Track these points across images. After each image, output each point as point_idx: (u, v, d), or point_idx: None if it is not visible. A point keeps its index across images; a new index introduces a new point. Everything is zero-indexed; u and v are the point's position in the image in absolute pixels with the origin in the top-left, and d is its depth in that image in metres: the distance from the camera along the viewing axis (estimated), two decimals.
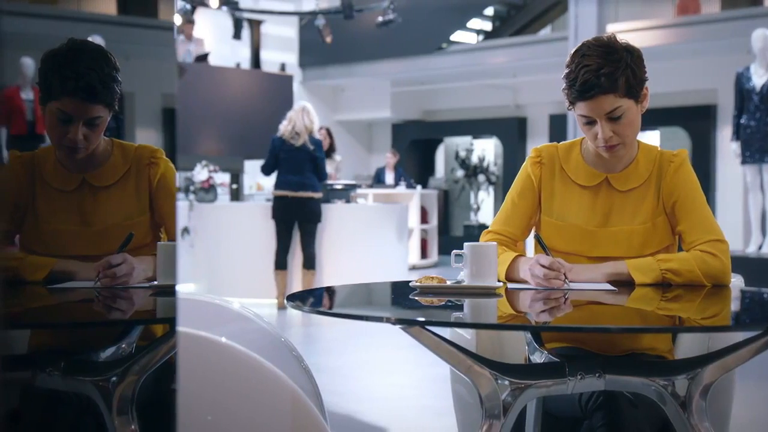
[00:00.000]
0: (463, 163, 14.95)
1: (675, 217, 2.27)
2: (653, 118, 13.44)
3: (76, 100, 2.15)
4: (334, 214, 8.10)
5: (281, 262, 7.72)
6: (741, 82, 7.83)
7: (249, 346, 2.00)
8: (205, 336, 1.43)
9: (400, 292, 2.28)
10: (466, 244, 2.17)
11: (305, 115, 7.53)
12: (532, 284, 2.16)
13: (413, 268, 11.16)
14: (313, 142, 7.56)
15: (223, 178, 9.11)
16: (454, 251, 2.21)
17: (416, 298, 2.10)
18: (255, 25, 13.46)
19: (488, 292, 2.13)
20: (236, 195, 11.36)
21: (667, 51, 11.83)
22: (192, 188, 8.76)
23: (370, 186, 11.73)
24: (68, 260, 2.22)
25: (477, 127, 14.71)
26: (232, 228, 8.31)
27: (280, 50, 14.08)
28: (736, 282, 2.42)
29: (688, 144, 13.03)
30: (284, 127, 7.56)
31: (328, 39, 10.83)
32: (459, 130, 15.04)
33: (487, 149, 15.62)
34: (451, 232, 15.17)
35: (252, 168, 11.81)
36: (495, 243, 2.20)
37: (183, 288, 8.77)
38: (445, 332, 2.19)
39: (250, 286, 8.01)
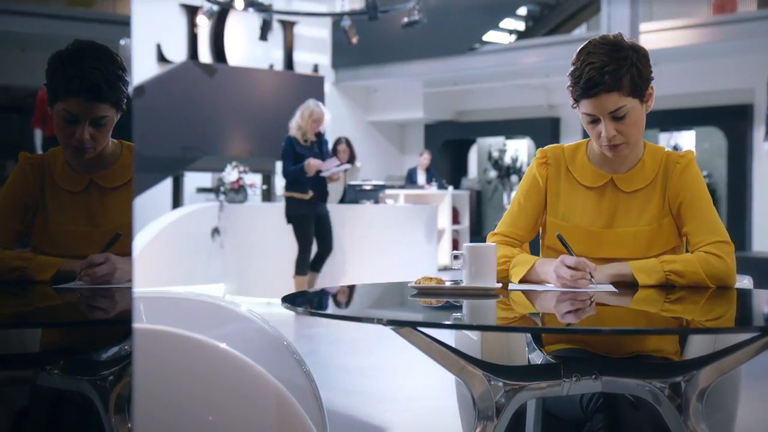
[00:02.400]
0: (496, 164, 14.90)
1: (681, 219, 2.24)
2: (688, 118, 13.31)
3: (80, 99, 2.18)
4: (361, 214, 8.11)
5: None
6: None
7: (241, 346, 1.97)
8: (182, 333, 1.44)
9: (399, 293, 2.28)
10: (465, 245, 2.17)
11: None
12: (557, 285, 2.14)
13: (444, 268, 11.14)
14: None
15: (253, 178, 9.15)
16: (453, 252, 2.21)
17: (414, 299, 2.09)
18: (288, 26, 13.53)
19: (487, 293, 2.12)
20: (267, 196, 11.42)
21: (703, 50, 11.71)
22: (222, 189, 8.83)
23: (402, 187, 11.73)
24: (75, 260, 2.25)
25: (510, 128, 14.65)
26: (261, 229, 8.34)
27: (313, 51, 14.13)
28: (746, 283, 2.40)
29: (725, 144, 12.87)
30: None
31: (354, 40, 10.84)
32: (492, 131, 14.98)
33: (520, 150, 15.55)
34: (483, 233, 15.11)
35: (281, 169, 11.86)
36: (494, 244, 2.20)
37: (210, 289, 8.84)
38: (450, 334, 2.20)
39: (280, 286, 8.03)
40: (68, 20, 2.10)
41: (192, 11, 12.27)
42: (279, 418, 1.51)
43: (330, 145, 8.42)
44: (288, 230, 7.86)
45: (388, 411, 4.36)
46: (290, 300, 1.97)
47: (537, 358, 2.16)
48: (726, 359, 1.86)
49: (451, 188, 12.11)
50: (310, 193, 7.31)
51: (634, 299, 2.05)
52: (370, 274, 7.89)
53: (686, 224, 2.23)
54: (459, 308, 2.07)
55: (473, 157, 16.08)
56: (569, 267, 2.11)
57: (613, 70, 2.11)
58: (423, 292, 2.13)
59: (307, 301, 2.10)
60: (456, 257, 2.18)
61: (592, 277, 2.10)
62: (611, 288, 2.12)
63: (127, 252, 2.21)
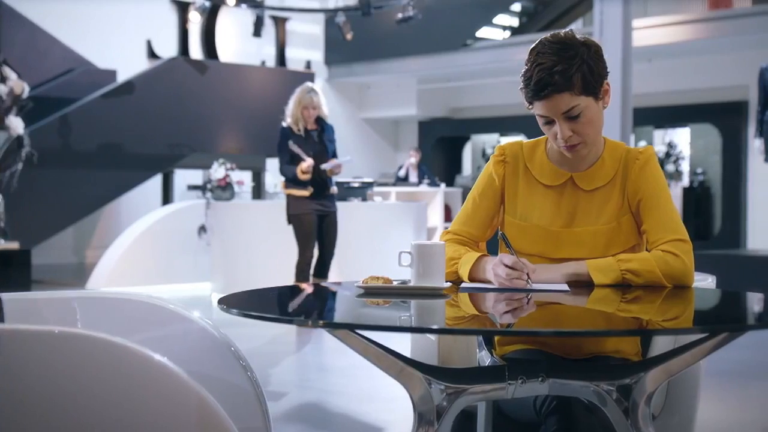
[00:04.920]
0: None
1: (640, 216, 2.17)
2: (683, 115, 13.23)
3: None
4: (349, 212, 8.01)
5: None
6: (765, 77, 7.63)
7: (179, 350, 1.91)
8: (88, 335, 1.37)
9: (346, 293, 2.21)
10: (412, 243, 2.08)
11: None
12: (495, 284, 2.07)
13: None
14: None
15: (240, 176, 9.07)
16: (401, 251, 2.13)
17: (361, 299, 2.03)
18: (280, 22, 13.46)
19: (435, 293, 2.04)
20: (257, 193, 11.35)
21: (697, 46, 11.65)
22: (209, 186, 8.75)
23: (394, 184, 11.67)
24: None
25: (504, 125, 14.60)
26: (249, 227, 8.24)
27: (306, 48, 14.07)
28: (710, 282, 2.34)
29: (719, 141, 12.79)
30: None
31: (349, 36, 10.80)
32: (486, 128, 14.94)
33: None
34: None
35: (273, 166, 11.80)
36: (443, 243, 2.12)
37: (196, 287, 8.77)
38: (406, 334, 2.12)
39: (267, 285, 7.91)
40: None
41: (183, 7, 12.21)
42: (199, 424, 1.44)
43: None
44: (277, 229, 7.74)
45: (379, 411, 4.28)
46: (227, 301, 1.89)
47: (487, 359, 2.10)
48: (673, 361, 1.79)
49: (443, 185, 12.04)
50: (310, 189, 6.63)
51: (589, 299, 1.99)
52: (358, 273, 7.76)
53: (645, 222, 2.17)
54: (405, 309, 2.00)
55: (467, 154, 16.05)
56: (507, 266, 2.05)
57: (563, 70, 2.04)
58: (369, 291, 2.05)
59: (245, 302, 1.99)
60: (403, 256, 2.10)
61: (529, 277, 2.04)
62: (564, 287, 2.04)
63: None
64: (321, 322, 1.74)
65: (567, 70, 2.04)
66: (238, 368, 2.04)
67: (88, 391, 1.42)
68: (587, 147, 2.16)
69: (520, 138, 15.31)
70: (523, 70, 2.11)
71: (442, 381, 1.79)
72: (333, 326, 1.79)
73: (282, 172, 6.68)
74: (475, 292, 2.09)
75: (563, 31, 2.13)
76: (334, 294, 2.32)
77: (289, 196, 6.71)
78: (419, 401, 1.80)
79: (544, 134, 2.21)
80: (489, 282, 2.11)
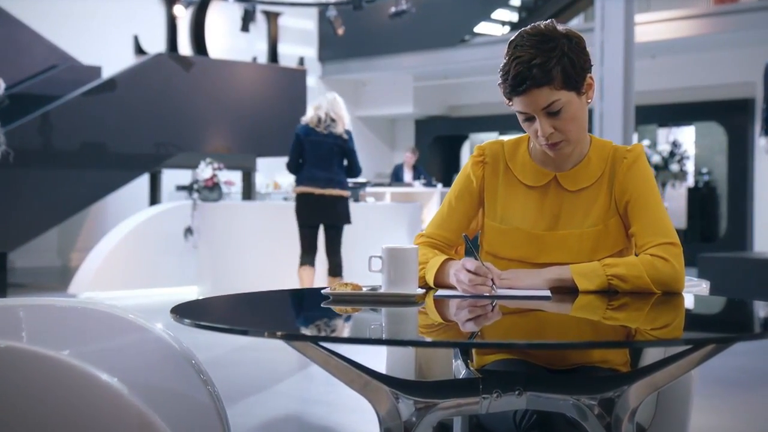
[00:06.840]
0: None
1: (628, 218, 2.10)
2: (688, 113, 13.01)
3: None
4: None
5: (307, 260, 6.94)
6: None
7: (134, 364, 1.83)
8: (24, 348, 1.33)
9: (312, 300, 2.09)
10: (383, 247, 1.95)
11: (336, 105, 6.79)
12: (459, 290, 1.98)
13: None
14: (347, 132, 6.74)
15: (228, 176, 8.78)
16: (371, 255, 1.98)
17: (328, 306, 1.90)
18: (272, 17, 13.19)
19: (407, 300, 1.92)
20: (248, 194, 11.06)
21: (702, 42, 11.54)
22: (196, 186, 8.45)
23: (390, 184, 11.47)
24: None
25: (504, 123, 14.46)
26: (238, 229, 8.03)
27: (299, 43, 13.85)
28: (704, 288, 2.23)
29: (725, 140, 12.59)
30: (311, 115, 6.75)
31: (340, 31, 10.65)
32: (485, 126, 14.84)
33: None
34: None
35: (265, 166, 11.52)
36: (416, 247, 2.03)
37: (182, 291, 8.47)
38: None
39: (257, 290, 7.63)
40: None
41: (171, 1, 11.91)
42: None
43: None
44: (267, 231, 7.48)
45: (366, 422, 4.06)
46: (180, 309, 1.75)
47: (462, 369, 2.03)
48: (658, 374, 1.69)
49: (439, 186, 11.81)
50: None
51: (573, 306, 1.91)
52: (348, 277, 7.51)
53: (633, 224, 2.09)
54: (375, 318, 1.88)
55: (465, 153, 15.99)
56: (469, 271, 1.96)
57: (542, 63, 1.96)
58: (337, 299, 1.93)
59: (202, 310, 1.88)
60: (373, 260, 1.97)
61: (494, 283, 1.96)
62: (546, 294, 1.95)
63: None
64: (279, 333, 1.57)
65: (546, 63, 1.96)
66: (198, 382, 1.95)
67: (23, 408, 1.39)
68: (570, 145, 2.07)
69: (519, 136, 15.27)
70: (501, 65, 2.02)
71: (411, 395, 1.70)
72: (293, 338, 1.65)
73: (360, 169, 7.01)
74: (448, 299, 1.97)
75: (543, 22, 2.04)
76: (300, 301, 2.23)
77: (347, 199, 6.90)
78: (386, 417, 1.70)
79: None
80: (455, 288, 2.02)
